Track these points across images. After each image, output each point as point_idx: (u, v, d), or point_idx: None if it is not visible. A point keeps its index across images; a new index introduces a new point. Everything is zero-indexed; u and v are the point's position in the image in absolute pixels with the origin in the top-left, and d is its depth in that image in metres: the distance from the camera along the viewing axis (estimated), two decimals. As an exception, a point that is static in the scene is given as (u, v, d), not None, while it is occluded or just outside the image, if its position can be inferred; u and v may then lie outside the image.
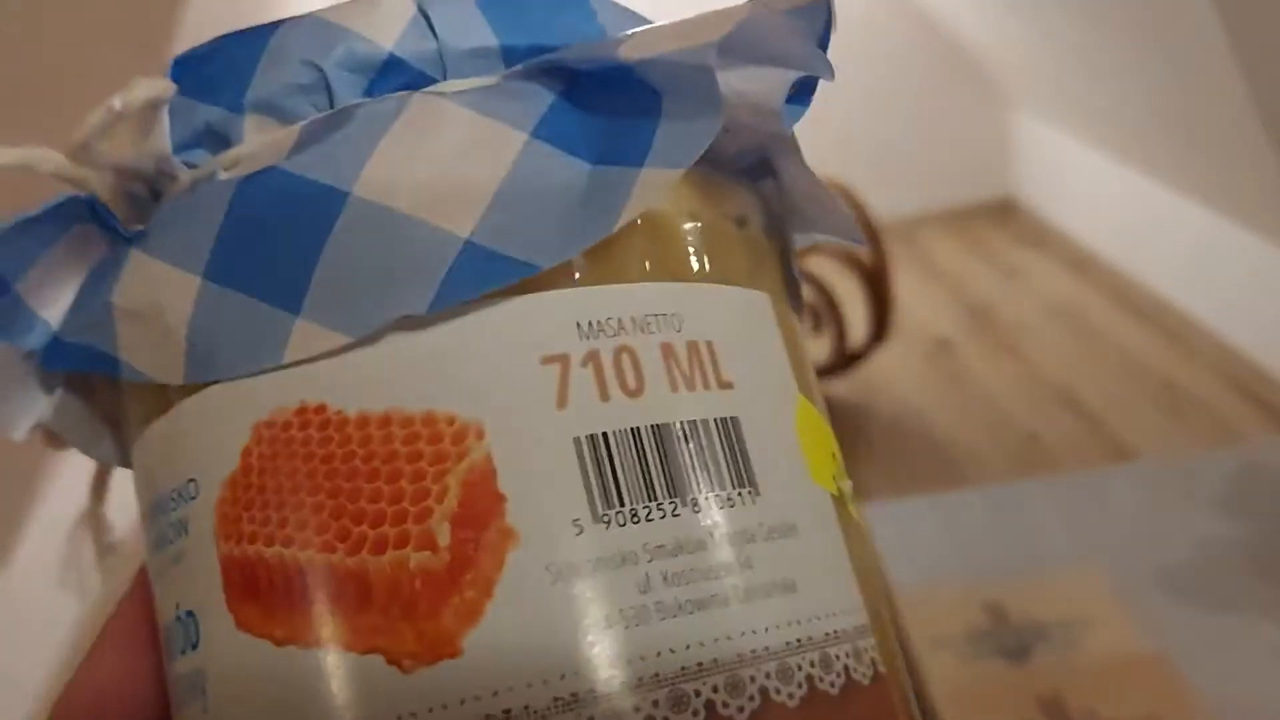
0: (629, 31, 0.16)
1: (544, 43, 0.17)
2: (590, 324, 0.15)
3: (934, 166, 2.61)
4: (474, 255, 0.14)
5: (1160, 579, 0.68)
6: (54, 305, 0.18)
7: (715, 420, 0.15)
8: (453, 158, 0.15)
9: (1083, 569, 0.69)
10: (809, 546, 0.16)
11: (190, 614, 0.15)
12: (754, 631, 0.15)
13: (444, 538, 0.14)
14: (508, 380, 0.14)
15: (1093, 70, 1.90)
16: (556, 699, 0.13)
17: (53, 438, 0.20)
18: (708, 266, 0.17)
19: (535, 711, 0.13)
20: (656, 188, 0.15)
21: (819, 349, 1.93)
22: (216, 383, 0.15)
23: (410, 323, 0.15)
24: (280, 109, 0.16)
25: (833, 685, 0.15)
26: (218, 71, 0.17)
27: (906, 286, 2.25)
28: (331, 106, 0.16)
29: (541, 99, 0.16)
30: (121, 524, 0.22)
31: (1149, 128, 1.85)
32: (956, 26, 2.45)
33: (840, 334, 1.82)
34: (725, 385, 0.16)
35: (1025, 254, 2.38)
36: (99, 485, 0.21)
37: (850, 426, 1.79)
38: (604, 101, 0.16)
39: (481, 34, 0.17)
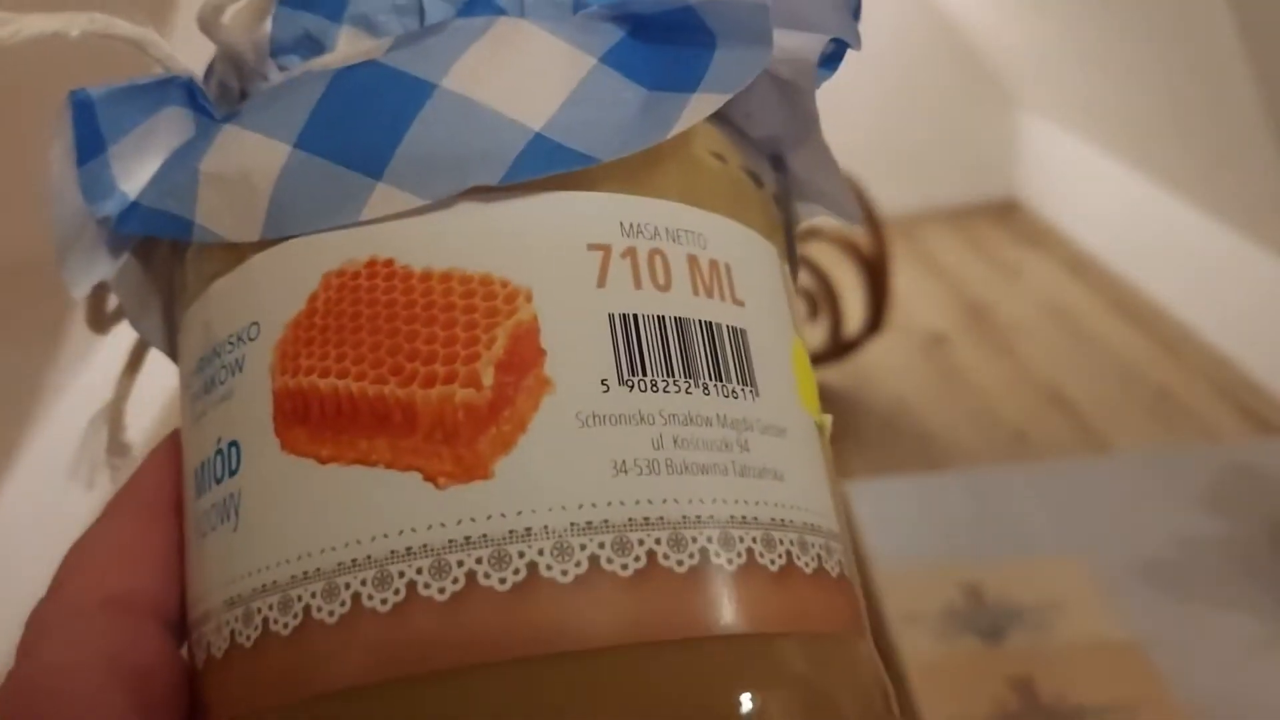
0: None
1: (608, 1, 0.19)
2: (631, 225, 0.17)
3: (939, 163, 2.61)
4: (542, 144, 0.17)
5: (1138, 570, 0.68)
6: (133, 178, 0.19)
7: (727, 327, 0.18)
8: (530, 69, 0.17)
9: (1061, 556, 0.69)
10: (796, 451, 0.18)
11: (233, 444, 0.17)
12: (745, 501, 0.17)
13: (488, 378, 0.16)
14: (558, 257, 0.17)
15: (1103, 73, 1.90)
16: (573, 523, 0.15)
17: (98, 315, 0.21)
18: (729, 205, 0.19)
19: (552, 531, 0.15)
20: (707, 107, 0.17)
21: (814, 335, 1.93)
22: (291, 238, 0.17)
23: (480, 194, 0.17)
24: (374, 24, 0.19)
25: (806, 566, 0.17)
26: None
27: (905, 280, 2.24)
28: (420, 27, 0.18)
29: (612, 34, 0.18)
30: (133, 430, 0.23)
31: (1156, 133, 1.85)
32: (968, 25, 2.44)
33: (836, 322, 1.82)
34: (738, 302, 0.18)
35: (1025, 254, 2.38)
36: (130, 371, 0.22)
37: (840, 415, 1.78)
38: (665, 40, 0.18)
39: None
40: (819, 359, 1.87)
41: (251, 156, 0.18)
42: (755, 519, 0.16)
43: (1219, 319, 1.87)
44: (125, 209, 0.19)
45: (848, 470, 1.65)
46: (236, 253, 0.18)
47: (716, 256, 0.18)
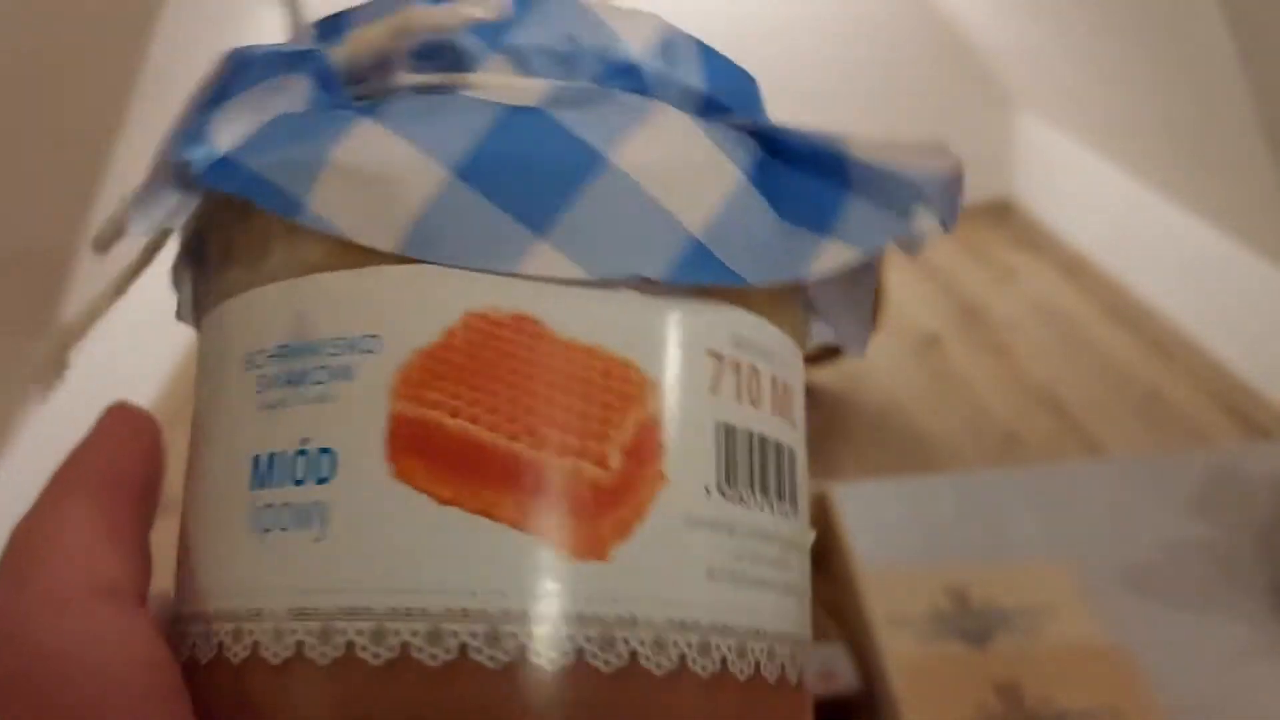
0: (850, 132, 0.20)
1: (730, 107, 0.20)
2: (739, 339, 0.18)
3: (935, 163, 2.60)
4: (701, 252, 0.17)
5: (1125, 575, 0.68)
6: (226, 131, 0.19)
7: (787, 448, 0.19)
8: (689, 168, 0.18)
9: (1048, 560, 0.69)
10: (807, 569, 0.19)
11: (327, 451, 0.17)
12: (786, 618, 0.18)
13: (615, 461, 0.16)
14: (685, 357, 0.17)
15: (1100, 77, 1.90)
16: (670, 619, 0.16)
17: (109, 237, 0.20)
18: (794, 328, 0.20)
19: (652, 624, 0.16)
20: (842, 258, 0.18)
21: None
22: (431, 264, 0.17)
23: (636, 283, 0.17)
24: (526, 61, 0.19)
25: (803, 679, 0.19)
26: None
27: (899, 281, 2.25)
28: (567, 78, 0.19)
29: (753, 150, 0.19)
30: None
31: (1152, 138, 1.85)
32: (966, 26, 2.44)
33: (829, 322, 1.82)
34: (794, 424, 0.19)
35: (1019, 256, 2.38)
36: (114, 293, 0.21)
37: (832, 415, 1.79)
38: (800, 168, 0.19)
39: (696, 78, 0.20)
40: (810, 361, 1.87)
41: (399, 165, 0.17)
42: (790, 635, 0.18)
43: (1211, 322, 1.88)
44: (217, 162, 0.19)
45: (839, 471, 1.65)
46: (353, 254, 0.18)
47: (783, 377, 0.19)
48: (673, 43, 0.20)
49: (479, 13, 0.18)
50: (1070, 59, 1.99)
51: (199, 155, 0.19)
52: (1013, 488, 0.76)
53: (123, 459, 0.18)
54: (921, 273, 2.34)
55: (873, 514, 0.73)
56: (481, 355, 0.17)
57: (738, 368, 0.18)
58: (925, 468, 1.64)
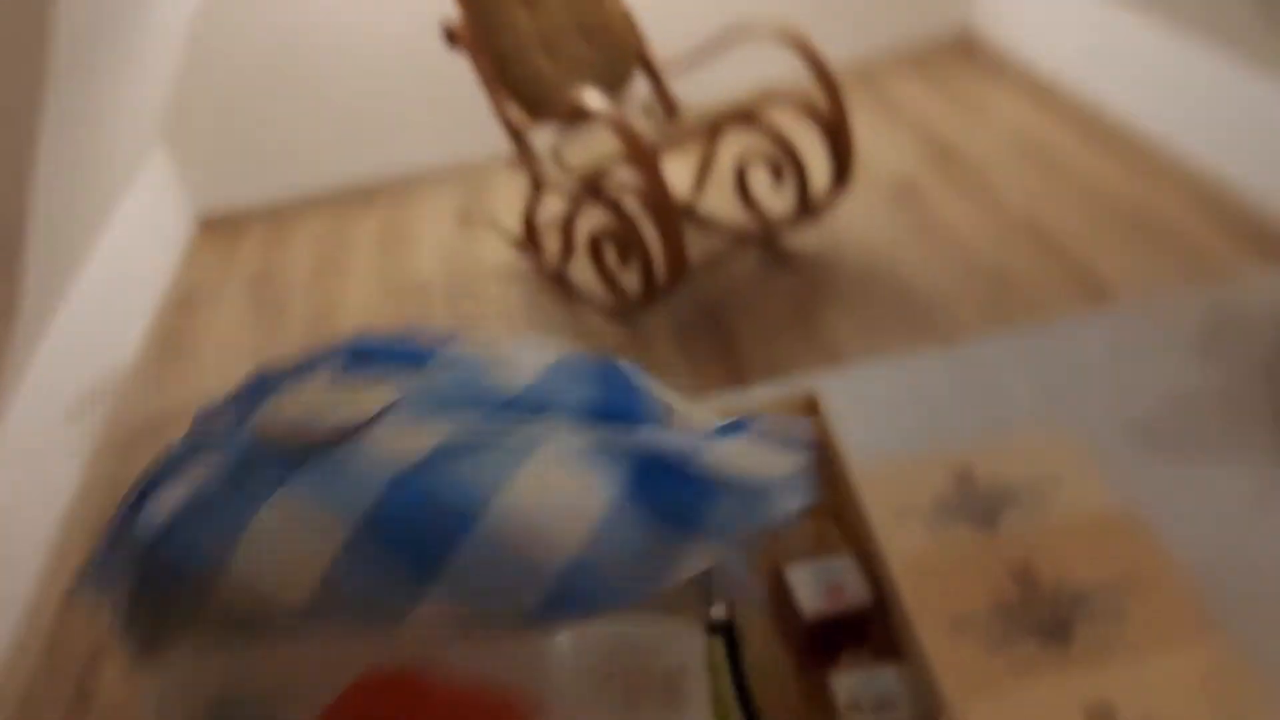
0: (711, 442, 0.22)
1: (617, 412, 0.22)
2: (625, 642, 0.20)
3: (889, 2, 2.52)
4: (562, 589, 0.19)
5: (1130, 432, 0.66)
6: (162, 501, 0.21)
7: None
8: (559, 505, 0.19)
9: (1050, 426, 0.67)
10: None
11: None
12: None
13: None
14: (567, 677, 0.19)
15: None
16: None
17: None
18: (688, 605, 0.23)
19: None
20: (707, 553, 0.20)
21: (781, 200, 1.89)
22: (334, 620, 0.19)
23: (514, 622, 0.19)
24: (421, 410, 0.21)
25: None
26: (385, 361, 0.22)
27: (868, 129, 2.19)
28: (462, 418, 0.21)
29: (634, 458, 0.21)
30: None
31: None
32: None
33: (802, 184, 1.79)
34: (683, 699, 0.21)
35: (986, 88, 2.32)
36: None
37: (816, 279, 1.77)
38: (669, 480, 0.21)
39: (585, 393, 0.22)
40: (789, 223, 1.84)
41: (309, 527, 0.19)
42: None
43: (1189, 132, 1.84)
44: (153, 530, 0.20)
45: (832, 342, 1.64)
46: (272, 611, 0.19)
47: (674, 663, 0.21)
48: (561, 367, 0.22)
49: (349, 425, 0.20)
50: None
51: (138, 524, 0.20)
52: (1007, 353, 0.74)
53: None
54: (889, 117, 2.28)
55: (865, 402, 0.71)
56: (375, 711, 0.18)
57: (623, 672, 0.20)
58: (917, 317, 1.63)
